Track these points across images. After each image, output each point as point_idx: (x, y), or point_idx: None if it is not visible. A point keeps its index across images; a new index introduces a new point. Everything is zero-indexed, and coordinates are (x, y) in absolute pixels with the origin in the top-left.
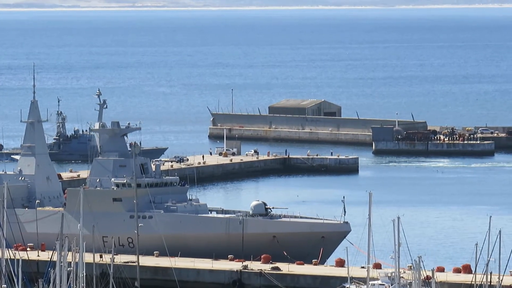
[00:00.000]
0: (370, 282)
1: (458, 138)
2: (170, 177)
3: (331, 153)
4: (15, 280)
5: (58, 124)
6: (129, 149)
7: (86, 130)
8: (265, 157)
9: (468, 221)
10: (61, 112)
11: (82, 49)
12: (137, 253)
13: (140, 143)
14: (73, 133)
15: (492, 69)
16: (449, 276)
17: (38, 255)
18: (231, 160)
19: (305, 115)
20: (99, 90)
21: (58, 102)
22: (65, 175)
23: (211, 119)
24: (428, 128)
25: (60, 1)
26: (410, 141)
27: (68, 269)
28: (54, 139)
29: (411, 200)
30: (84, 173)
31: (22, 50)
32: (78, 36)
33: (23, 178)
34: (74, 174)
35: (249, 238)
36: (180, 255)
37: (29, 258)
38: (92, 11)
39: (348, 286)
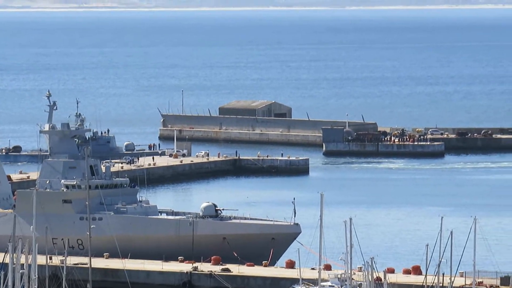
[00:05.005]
0: (321, 284)
1: (408, 139)
2: (120, 179)
3: (282, 154)
4: None
5: (79, 126)
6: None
7: (105, 132)
8: (216, 159)
9: (420, 222)
10: (79, 114)
11: (32, 50)
12: (89, 255)
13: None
14: (91, 135)
15: (441, 70)
16: (399, 277)
17: None
18: (181, 162)
19: (256, 116)
20: (48, 92)
21: (77, 103)
22: (15, 176)
23: (162, 120)
24: (379, 129)
25: (8, 1)
26: (360, 142)
27: (21, 271)
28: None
29: (362, 201)
30: (34, 175)
31: None
32: (27, 37)
33: None
34: (24, 176)
35: (199, 239)
36: (130, 257)
37: None
38: (40, 12)
39: (298, 287)
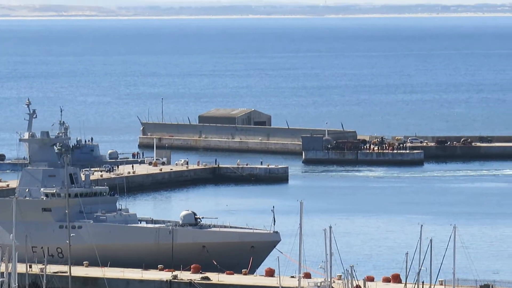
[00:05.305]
0: None
1: (387, 147)
2: (100, 187)
3: (261, 162)
4: None
5: (60, 134)
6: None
7: (88, 140)
8: (195, 167)
9: (399, 230)
10: (63, 122)
11: (11, 58)
12: (69, 263)
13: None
14: (75, 143)
15: (419, 78)
16: (378, 286)
17: None
18: (160, 170)
19: (235, 124)
20: (28, 100)
21: (61, 111)
22: None
23: (141, 128)
24: (358, 137)
25: None
26: (339, 151)
27: (1, 279)
28: (57, 149)
29: (342, 209)
30: (13, 183)
31: None
32: (5, 45)
33: None
34: (3, 184)
35: (178, 248)
36: (110, 265)
37: None
38: (19, 20)
39: None
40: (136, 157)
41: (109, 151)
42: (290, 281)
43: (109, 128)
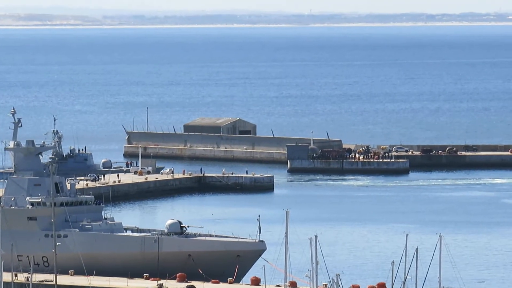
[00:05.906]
0: None
1: (373, 156)
2: (85, 196)
3: (246, 171)
4: None
5: (54, 143)
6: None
7: (82, 149)
8: (180, 176)
9: (385, 239)
10: (57, 131)
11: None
12: (55, 272)
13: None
14: (69, 152)
15: (404, 88)
16: None
17: None
18: (146, 179)
19: (220, 133)
20: (13, 109)
21: (54, 121)
22: None
23: (126, 138)
24: (343, 146)
25: None
26: (325, 159)
27: None
28: (50, 158)
29: (328, 218)
30: None
31: None
32: None
33: None
34: None
35: (164, 256)
36: (96, 274)
37: None
38: (4, 30)
39: None
40: (130, 166)
41: (103, 160)
42: None
43: (94, 137)
